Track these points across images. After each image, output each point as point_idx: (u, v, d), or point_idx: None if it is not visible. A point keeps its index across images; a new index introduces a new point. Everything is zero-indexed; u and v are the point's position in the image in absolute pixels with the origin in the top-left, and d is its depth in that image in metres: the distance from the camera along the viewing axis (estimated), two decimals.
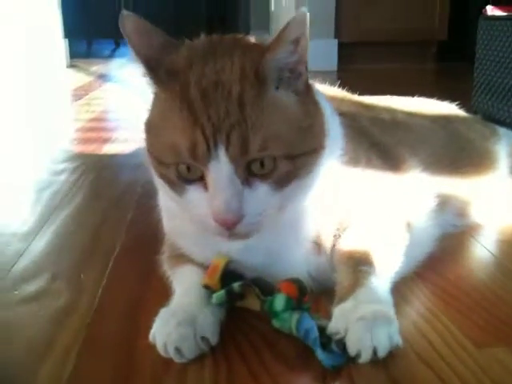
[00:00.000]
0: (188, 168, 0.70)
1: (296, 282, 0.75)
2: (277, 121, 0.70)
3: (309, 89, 0.78)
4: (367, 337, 0.68)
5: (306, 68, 0.75)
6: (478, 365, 0.70)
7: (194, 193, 0.71)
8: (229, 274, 0.77)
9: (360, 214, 0.85)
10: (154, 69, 0.73)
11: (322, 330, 0.72)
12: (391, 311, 0.73)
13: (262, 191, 0.70)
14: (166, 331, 0.72)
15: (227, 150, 0.67)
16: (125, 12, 0.72)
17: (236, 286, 0.75)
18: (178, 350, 0.71)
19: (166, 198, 0.85)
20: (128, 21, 0.73)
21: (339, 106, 0.96)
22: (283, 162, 0.70)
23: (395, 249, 0.85)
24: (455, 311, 0.84)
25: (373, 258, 0.80)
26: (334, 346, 0.70)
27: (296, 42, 0.70)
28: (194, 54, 0.73)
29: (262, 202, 0.71)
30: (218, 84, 0.69)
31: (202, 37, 0.79)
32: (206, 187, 0.70)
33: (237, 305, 0.78)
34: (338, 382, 0.68)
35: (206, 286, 0.78)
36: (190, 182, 0.71)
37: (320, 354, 0.70)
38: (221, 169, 0.67)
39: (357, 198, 0.85)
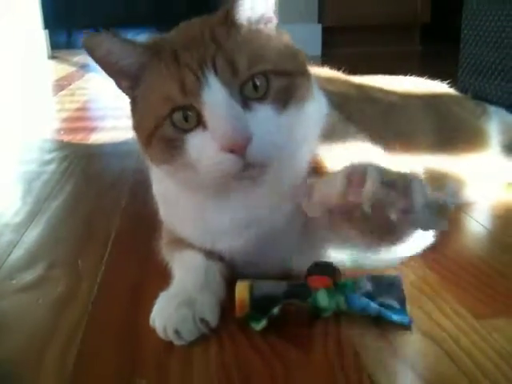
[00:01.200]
0: (185, 117, 0.69)
1: (320, 271, 0.75)
2: (256, 42, 0.71)
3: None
4: None
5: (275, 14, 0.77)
6: (478, 335, 0.72)
7: (195, 138, 0.69)
8: (258, 300, 0.73)
9: None
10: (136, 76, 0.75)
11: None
12: None
13: (263, 112, 0.69)
14: (166, 314, 0.72)
15: (216, 74, 0.67)
16: (88, 36, 0.73)
17: (275, 311, 0.72)
18: (177, 332, 0.71)
19: (162, 186, 0.85)
20: (96, 47, 0.73)
21: (331, 86, 0.96)
22: (275, 79, 0.70)
23: None
24: (454, 285, 0.85)
25: None
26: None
27: None
28: (168, 34, 0.77)
29: (266, 123, 0.69)
30: (193, 37, 0.71)
31: None
32: (205, 127, 0.69)
33: None
34: (342, 357, 0.69)
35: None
36: (188, 130, 0.70)
37: (394, 317, 0.72)
38: (215, 95, 0.67)
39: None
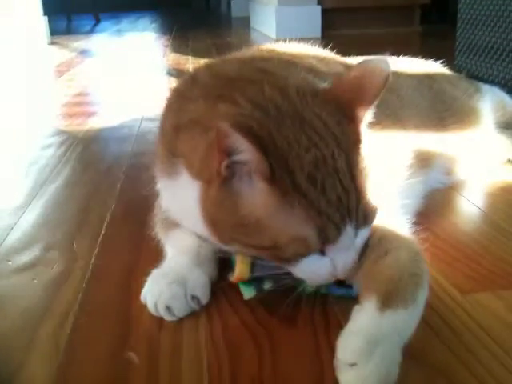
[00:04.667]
0: None
1: None
2: (369, 178, 0.67)
3: None
4: None
5: None
6: (463, 309, 0.73)
7: (309, 261, 0.66)
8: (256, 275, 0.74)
9: None
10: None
11: None
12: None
13: (366, 233, 0.69)
14: (157, 290, 0.74)
15: (356, 222, 0.65)
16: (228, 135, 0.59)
17: (266, 285, 0.74)
18: (168, 308, 0.73)
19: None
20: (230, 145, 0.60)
21: (324, 66, 0.96)
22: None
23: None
24: (442, 262, 0.86)
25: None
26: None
27: None
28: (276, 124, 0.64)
29: (364, 241, 0.70)
30: (320, 161, 0.63)
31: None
32: (323, 253, 0.66)
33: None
34: (329, 333, 0.70)
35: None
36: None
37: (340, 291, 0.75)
38: (347, 240, 0.65)
39: None
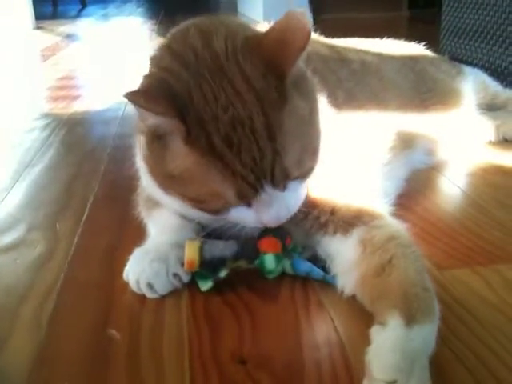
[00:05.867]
0: None
1: (273, 233, 0.75)
2: (301, 133, 0.67)
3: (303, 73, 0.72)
4: None
5: None
6: (440, 285, 0.74)
7: (236, 211, 0.69)
8: (207, 261, 0.74)
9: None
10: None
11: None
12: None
13: (295, 188, 0.69)
14: (139, 268, 0.74)
15: (272, 182, 0.65)
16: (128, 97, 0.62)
17: (222, 274, 0.74)
18: (150, 285, 0.74)
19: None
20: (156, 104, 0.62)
21: (310, 47, 0.96)
22: (310, 162, 0.70)
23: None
24: (422, 241, 0.86)
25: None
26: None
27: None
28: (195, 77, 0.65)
29: (298, 197, 0.71)
30: (237, 122, 0.63)
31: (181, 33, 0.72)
32: (250, 205, 0.68)
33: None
34: (309, 308, 0.71)
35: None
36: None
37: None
38: (267, 195, 0.66)
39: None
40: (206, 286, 0.74)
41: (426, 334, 0.60)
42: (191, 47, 0.68)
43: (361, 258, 0.72)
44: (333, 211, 0.76)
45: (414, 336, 0.59)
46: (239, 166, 0.63)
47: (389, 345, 0.58)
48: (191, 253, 0.73)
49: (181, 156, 0.65)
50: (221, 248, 0.74)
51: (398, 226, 0.76)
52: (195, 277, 0.76)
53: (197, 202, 0.69)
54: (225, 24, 0.71)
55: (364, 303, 0.69)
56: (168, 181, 0.70)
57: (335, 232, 0.76)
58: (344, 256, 0.74)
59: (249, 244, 0.75)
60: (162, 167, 0.68)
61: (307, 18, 0.65)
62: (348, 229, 0.75)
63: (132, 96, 0.62)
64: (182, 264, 0.74)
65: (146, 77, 0.70)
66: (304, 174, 0.70)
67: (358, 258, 0.72)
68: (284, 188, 0.67)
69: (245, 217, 0.70)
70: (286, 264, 0.76)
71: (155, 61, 0.71)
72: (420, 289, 0.64)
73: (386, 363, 0.57)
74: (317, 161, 0.71)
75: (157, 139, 0.67)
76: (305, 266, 0.76)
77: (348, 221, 0.75)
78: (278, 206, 0.68)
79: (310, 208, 0.75)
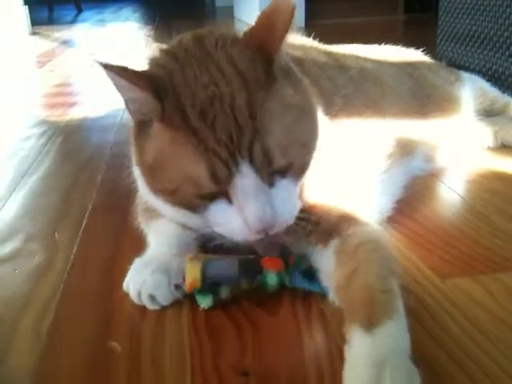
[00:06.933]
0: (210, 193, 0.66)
1: (275, 252, 0.75)
2: (288, 118, 0.65)
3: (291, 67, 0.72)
4: None
5: None
6: (442, 294, 0.74)
7: (217, 209, 0.66)
8: (209, 279, 0.73)
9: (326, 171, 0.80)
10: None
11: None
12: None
13: (285, 187, 0.67)
14: (141, 279, 0.74)
15: (251, 162, 0.63)
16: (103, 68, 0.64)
17: (223, 293, 0.73)
18: (152, 297, 0.73)
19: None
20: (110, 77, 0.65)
21: (306, 54, 0.96)
22: (300, 155, 0.68)
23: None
24: (422, 248, 0.87)
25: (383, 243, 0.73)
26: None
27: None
28: (179, 66, 0.67)
29: (289, 198, 0.68)
30: (217, 98, 0.63)
31: (177, 40, 0.73)
32: (229, 200, 0.65)
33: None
34: (310, 320, 0.71)
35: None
36: (212, 200, 0.66)
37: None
38: (247, 181, 0.63)
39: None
40: (205, 303, 0.73)
41: (391, 332, 0.59)
42: (183, 46, 0.70)
43: (335, 270, 0.70)
44: (317, 222, 0.75)
45: (377, 339, 0.57)
46: (214, 142, 0.62)
47: (355, 357, 0.57)
48: (193, 273, 0.72)
49: (157, 138, 0.65)
50: (222, 267, 0.73)
51: (371, 230, 0.75)
52: (195, 293, 0.74)
53: (170, 193, 0.67)
54: (219, 31, 0.73)
55: (344, 314, 0.66)
56: (148, 174, 0.70)
57: (317, 243, 0.75)
58: (324, 267, 0.74)
59: (251, 262, 0.74)
60: (144, 158, 0.68)
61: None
62: (327, 239, 0.74)
63: (113, 66, 0.64)
64: (183, 278, 0.73)
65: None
66: (293, 169, 0.67)
67: (333, 269, 0.71)
68: (270, 182, 0.65)
69: (227, 217, 0.66)
70: (286, 278, 0.75)
71: (149, 60, 0.72)
72: (378, 292, 0.62)
73: (357, 378, 0.55)
74: (309, 158, 0.69)
75: (141, 130, 0.68)
76: (303, 283, 0.75)
77: (327, 231, 0.74)
78: (263, 202, 0.63)
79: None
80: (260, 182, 0.64)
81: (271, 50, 0.65)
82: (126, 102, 0.69)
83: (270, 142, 0.63)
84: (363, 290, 0.64)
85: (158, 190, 0.70)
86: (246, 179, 0.63)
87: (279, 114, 0.64)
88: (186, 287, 0.73)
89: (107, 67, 0.63)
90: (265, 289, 0.74)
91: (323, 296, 0.74)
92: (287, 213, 0.68)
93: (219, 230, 0.69)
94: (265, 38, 0.66)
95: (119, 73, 0.64)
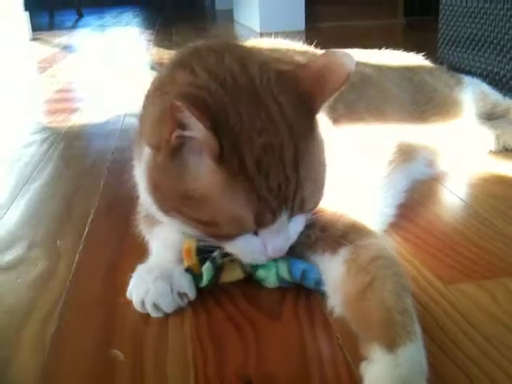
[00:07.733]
0: None
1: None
2: (317, 165, 0.69)
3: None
4: None
5: None
6: (446, 300, 0.74)
7: (241, 239, 0.68)
8: (202, 251, 0.76)
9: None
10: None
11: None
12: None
13: (299, 221, 0.71)
14: (144, 287, 0.73)
15: (291, 210, 0.67)
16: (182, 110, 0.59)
17: (216, 255, 0.75)
18: (155, 305, 0.73)
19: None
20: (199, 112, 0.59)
21: (302, 58, 0.96)
22: (320, 195, 0.71)
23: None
24: (425, 253, 0.87)
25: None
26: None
27: None
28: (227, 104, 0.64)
29: (302, 225, 0.72)
30: (269, 147, 0.63)
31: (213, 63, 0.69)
32: (256, 232, 0.68)
33: (221, 281, 0.77)
34: (313, 325, 0.71)
35: (188, 269, 0.76)
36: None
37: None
38: (279, 223, 0.67)
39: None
40: (206, 277, 0.74)
41: (412, 352, 0.59)
42: (228, 70, 0.67)
43: (345, 280, 0.71)
44: (323, 229, 0.76)
45: (400, 360, 0.57)
46: (265, 191, 0.63)
47: (379, 378, 0.57)
48: (187, 243, 0.75)
49: (207, 175, 0.63)
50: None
51: (383, 245, 0.75)
52: (193, 278, 0.75)
53: (209, 225, 0.66)
54: (258, 54, 0.73)
55: (350, 326, 0.67)
56: (179, 201, 0.67)
57: (324, 251, 0.75)
58: (332, 276, 0.73)
59: None
60: (177, 187, 0.66)
61: (349, 59, 0.66)
62: (336, 247, 0.74)
63: (186, 101, 0.58)
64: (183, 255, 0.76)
65: (178, 95, 0.63)
66: (311, 209, 0.71)
67: (342, 278, 0.71)
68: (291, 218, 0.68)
69: (249, 246, 0.69)
70: (283, 268, 0.75)
71: (186, 79, 0.67)
72: (395, 312, 0.62)
73: None
74: (322, 196, 0.71)
75: (172, 157, 0.65)
76: (302, 265, 0.75)
77: (336, 239, 0.75)
78: (283, 237, 0.69)
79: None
80: (286, 223, 0.68)
81: (316, 106, 0.67)
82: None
83: (306, 192, 0.67)
84: (380, 309, 0.64)
85: (187, 215, 0.67)
86: (280, 222, 0.67)
87: (313, 164, 0.68)
88: (183, 255, 0.75)
89: (185, 103, 0.58)
90: (259, 280, 0.75)
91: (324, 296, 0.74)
92: (297, 235, 0.72)
93: (232, 250, 0.71)
94: (313, 93, 0.66)
95: (191, 110, 0.58)
